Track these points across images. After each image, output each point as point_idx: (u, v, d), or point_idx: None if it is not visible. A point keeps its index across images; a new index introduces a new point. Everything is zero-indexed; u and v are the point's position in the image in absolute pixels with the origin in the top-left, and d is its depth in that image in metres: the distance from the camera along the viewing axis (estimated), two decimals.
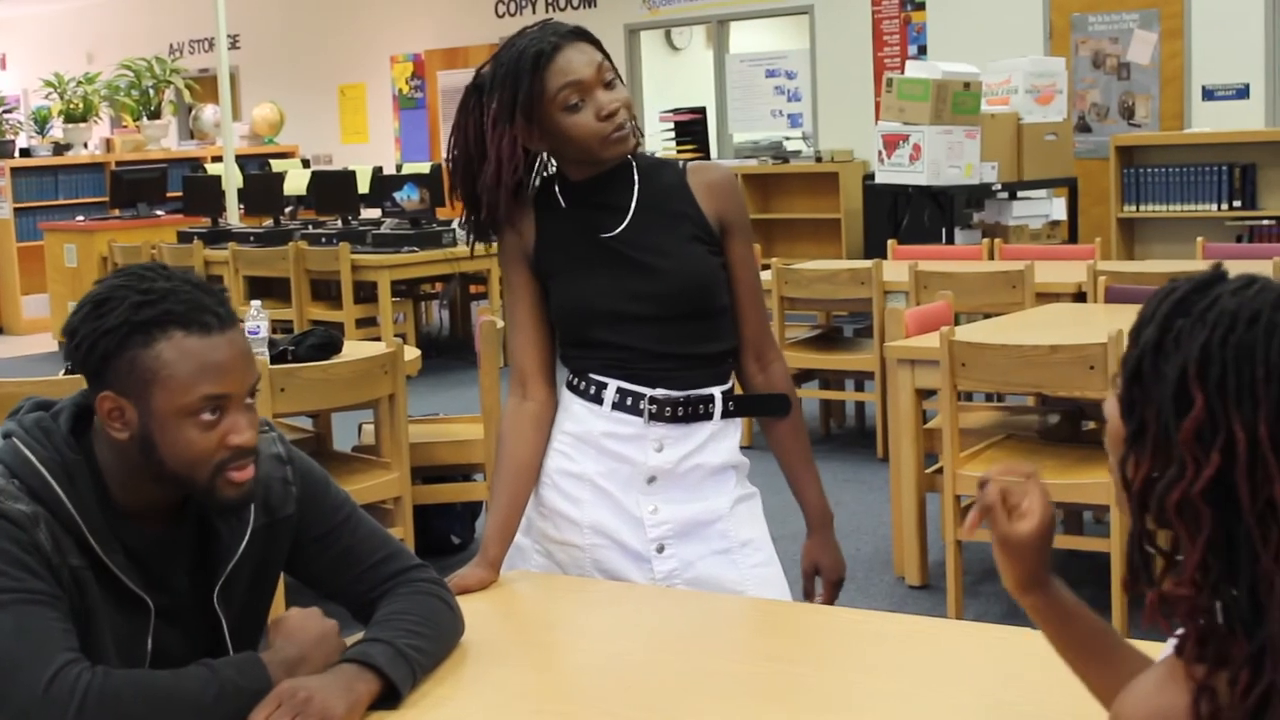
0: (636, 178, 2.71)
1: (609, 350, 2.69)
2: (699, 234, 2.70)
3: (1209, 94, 10.78)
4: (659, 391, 2.67)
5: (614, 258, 2.67)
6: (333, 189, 11.16)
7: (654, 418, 2.67)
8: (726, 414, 2.73)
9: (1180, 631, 1.33)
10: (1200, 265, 6.08)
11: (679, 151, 12.48)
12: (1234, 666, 1.28)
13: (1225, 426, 1.29)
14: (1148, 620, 1.38)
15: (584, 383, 2.71)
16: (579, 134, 2.60)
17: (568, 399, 2.74)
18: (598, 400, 2.69)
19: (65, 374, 4.47)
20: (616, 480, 2.69)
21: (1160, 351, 1.35)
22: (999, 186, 9.40)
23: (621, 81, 2.66)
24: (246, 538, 2.13)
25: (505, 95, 2.59)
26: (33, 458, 1.98)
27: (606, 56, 2.64)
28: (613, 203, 2.70)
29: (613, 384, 2.68)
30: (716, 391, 2.71)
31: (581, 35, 2.64)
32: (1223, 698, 1.28)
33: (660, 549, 2.68)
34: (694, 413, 2.69)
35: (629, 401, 2.68)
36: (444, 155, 2.78)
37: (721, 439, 2.73)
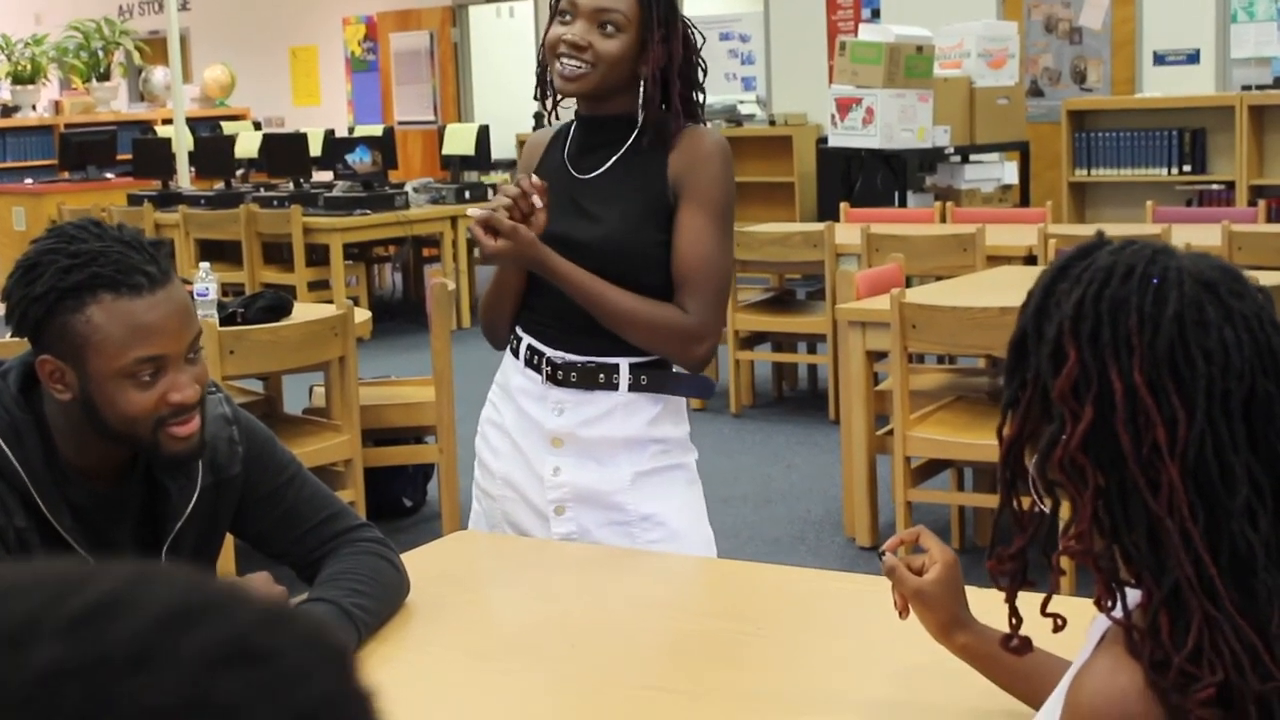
0: (633, 136, 2.61)
1: (530, 299, 2.66)
2: (657, 207, 2.59)
3: (1160, 59, 10.81)
4: (556, 354, 2.62)
5: (570, 203, 2.61)
6: (284, 152, 11.07)
7: (550, 379, 2.63)
8: (638, 387, 2.62)
9: (1117, 613, 1.33)
10: (1151, 229, 6.14)
11: None
12: (1150, 611, 1.29)
13: (1101, 377, 1.30)
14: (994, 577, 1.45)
15: (513, 334, 2.71)
16: (544, 42, 2.61)
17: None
18: (515, 353, 2.70)
19: (10, 337, 4.42)
20: (527, 436, 2.68)
21: (1042, 315, 1.36)
22: (951, 150, 9.42)
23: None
24: (195, 496, 2.12)
25: None
26: None
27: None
28: (604, 147, 2.64)
29: (525, 339, 2.67)
30: (624, 362, 2.61)
31: None
32: (1170, 654, 1.28)
33: (559, 510, 2.65)
34: (594, 381, 2.62)
35: (534, 359, 2.66)
36: None
37: (633, 412, 2.62)
